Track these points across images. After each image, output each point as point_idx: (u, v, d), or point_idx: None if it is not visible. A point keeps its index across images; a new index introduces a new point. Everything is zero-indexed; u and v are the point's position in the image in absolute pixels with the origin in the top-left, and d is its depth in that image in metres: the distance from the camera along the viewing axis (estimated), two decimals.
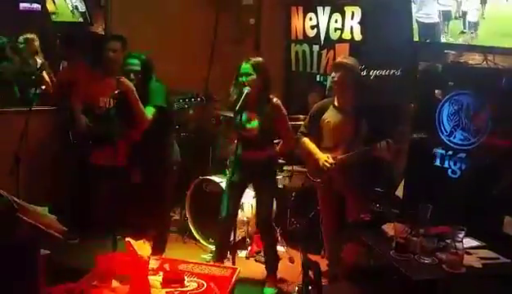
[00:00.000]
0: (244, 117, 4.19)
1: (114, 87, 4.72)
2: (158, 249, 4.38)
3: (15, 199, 2.99)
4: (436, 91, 4.31)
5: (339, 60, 4.30)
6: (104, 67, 4.92)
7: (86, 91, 4.88)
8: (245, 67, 4.17)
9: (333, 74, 4.14)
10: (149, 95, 4.26)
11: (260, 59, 4.22)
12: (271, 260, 4.53)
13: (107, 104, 4.79)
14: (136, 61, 4.26)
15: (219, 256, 4.48)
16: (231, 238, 4.30)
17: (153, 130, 4.26)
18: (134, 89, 4.10)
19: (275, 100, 4.24)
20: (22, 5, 5.42)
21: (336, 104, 4.19)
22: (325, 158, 4.14)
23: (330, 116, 4.19)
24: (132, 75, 4.21)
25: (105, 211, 5.17)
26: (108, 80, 4.84)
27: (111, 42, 4.94)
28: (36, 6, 5.67)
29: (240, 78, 4.17)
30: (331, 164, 4.10)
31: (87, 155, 4.87)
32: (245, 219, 4.98)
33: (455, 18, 3.95)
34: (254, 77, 4.14)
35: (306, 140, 4.33)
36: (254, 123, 4.19)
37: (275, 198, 4.80)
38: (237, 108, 4.05)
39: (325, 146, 4.20)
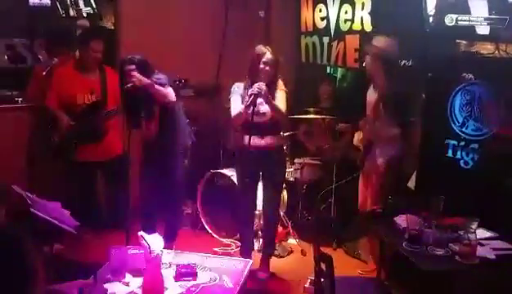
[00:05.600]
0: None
1: (91, 84, 4.76)
2: (168, 239, 4.40)
3: (29, 195, 3.02)
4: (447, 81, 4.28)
5: (370, 45, 4.43)
6: (86, 65, 4.88)
7: (63, 89, 4.82)
8: (269, 55, 4.22)
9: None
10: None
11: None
12: (269, 242, 4.61)
13: (85, 100, 4.81)
14: (132, 66, 4.22)
15: (244, 250, 4.57)
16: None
17: (169, 126, 4.31)
18: (151, 82, 4.11)
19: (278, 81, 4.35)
20: (32, 0, 5.43)
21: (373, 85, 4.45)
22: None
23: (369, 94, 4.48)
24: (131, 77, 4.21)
25: (105, 205, 5.23)
26: (85, 77, 4.85)
27: (95, 41, 4.84)
28: (45, 1, 5.68)
29: (267, 67, 4.19)
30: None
31: (71, 153, 4.82)
32: (257, 212, 4.99)
33: None
34: (275, 65, 4.21)
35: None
36: (266, 107, 4.24)
37: (283, 187, 4.89)
38: (249, 102, 4.08)
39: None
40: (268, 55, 4.22)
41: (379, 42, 4.29)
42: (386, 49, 4.22)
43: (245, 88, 4.29)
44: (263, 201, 4.61)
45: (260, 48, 4.27)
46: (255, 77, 4.21)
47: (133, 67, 4.14)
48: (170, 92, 4.23)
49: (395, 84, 4.20)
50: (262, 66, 4.20)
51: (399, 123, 4.22)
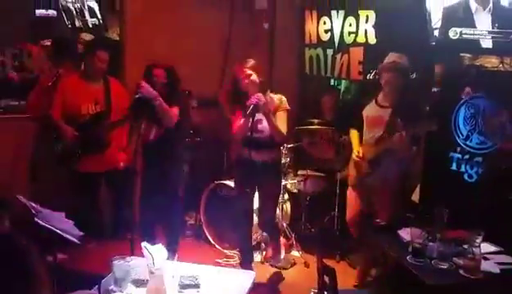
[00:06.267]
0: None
1: (95, 94, 4.76)
2: (169, 249, 4.40)
3: (33, 204, 3.02)
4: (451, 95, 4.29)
5: (389, 60, 4.36)
6: (90, 74, 4.88)
7: (68, 99, 4.83)
8: (250, 61, 4.20)
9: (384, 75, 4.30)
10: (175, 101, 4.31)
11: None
12: (275, 247, 4.83)
13: (89, 110, 4.82)
14: (162, 73, 4.30)
15: (244, 261, 4.59)
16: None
17: (171, 130, 4.32)
18: (158, 94, 4.13)
19: (271, 95, 4.30)
20: (38, 11, 5.47)
21: (378, 100, 4.36)
22: (355, 151, 4.41)
23: (370, 110, 4.40)
24: (158, 87, 4.24)
25: (108, 215, 5.23)
26: (89, 87, 4.85)
27: (101, 51, 4.85)
28: (52, 12, 5.71)
29: (249, 71, 4.15)
30: (358, 158, 4.36)
31: (75, 164, 4.82)
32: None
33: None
34: (257, 79, 4.15)
35: (352, 131, 4.60)
36: (265, 125, 4.21)
37: (285, 198, 4.96)
38: (248, 112, 4.07)
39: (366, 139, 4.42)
40: (249, 62, 4.19)
41: (396, 57, 4.26)
42: (403, 63, 4.22)
43: (240, 102, 4.24)
44: (259, 212, 4.63)
45: (240, 63, 4.24)
46: (244, 88, 4.18)
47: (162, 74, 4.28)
48: (173, 114, 4.27)
49: (408, 99, 4.20)
50: (244, 70, 4.16)
51: (415, 138, 4.20)
